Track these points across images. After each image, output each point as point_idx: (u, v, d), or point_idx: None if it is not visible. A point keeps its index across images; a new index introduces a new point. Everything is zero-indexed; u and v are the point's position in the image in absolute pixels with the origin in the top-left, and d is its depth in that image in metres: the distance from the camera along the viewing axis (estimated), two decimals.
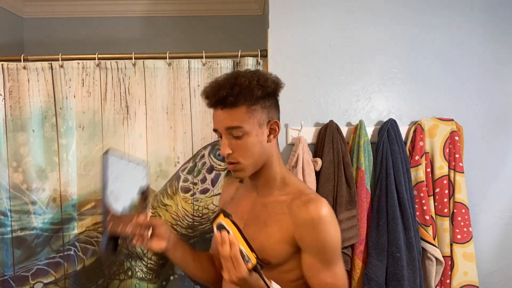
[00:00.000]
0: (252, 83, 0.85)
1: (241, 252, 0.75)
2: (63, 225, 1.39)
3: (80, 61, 1.40)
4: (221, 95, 0.85)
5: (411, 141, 1.40)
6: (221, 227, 0.77)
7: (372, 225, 1.32)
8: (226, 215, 0.78)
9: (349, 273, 1.34)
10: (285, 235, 0.86)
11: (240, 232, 0.77)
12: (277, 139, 0.95)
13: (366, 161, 1.34)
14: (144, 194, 0.95)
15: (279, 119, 0.95)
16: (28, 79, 1.39)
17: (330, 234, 0.84)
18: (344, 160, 1.33)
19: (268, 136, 0.91)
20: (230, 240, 0.75)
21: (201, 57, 1.40)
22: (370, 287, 1.27)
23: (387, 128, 1.36)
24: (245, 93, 0.85)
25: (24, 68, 1.39)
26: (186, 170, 1.41)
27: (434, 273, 1.33)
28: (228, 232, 0.76)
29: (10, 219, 1.38)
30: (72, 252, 1.39)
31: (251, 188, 0.99)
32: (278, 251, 0.87)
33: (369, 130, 1.40)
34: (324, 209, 0.84)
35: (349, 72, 1.44)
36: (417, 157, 1.36)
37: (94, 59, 1.39)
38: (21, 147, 1.39)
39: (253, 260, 0.75)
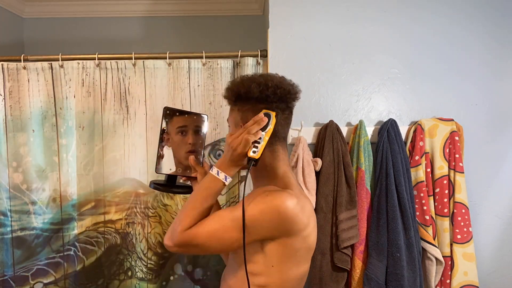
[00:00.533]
0: (237, 85, 0.90)
1: (257, 141, 0.83)
2: (63, 225, 1.39)
3: (80, 61, 1.40)
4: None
5: (411, 141, 1.40)
6: (267, 116, 0.85)
7: (372, 225, 1.32)
8: (278, 116, 0.86)
9: (349, 273, 1.34)
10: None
11: (273, 135, 0.86)
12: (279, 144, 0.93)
13: (366, 161, 1.34)
14: (201, 140, 1.06)
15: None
16: (28, 79, 1.39)
17: (257, 206, 0.80)
18: (344, 160, 1.33)
19: None
20: (261, 119, 0.83)
21: (201, 57, 1.40)
22: (370, 287, 1.27)
23: (387, 128, 1.36)
24: (228, 92, 0.93)
25: (24, 68, 1.39)
26: None
27: (434, 273, 1.33)
28: (268, 123, 0.84)
29: (10, 219, 1.38)
30: (72, 252, 1.39)
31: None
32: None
33: (369, 130, 1.40)
34: (280, 200, 0.80)
35: (349, 72, 1.44)
36: (417, 157, 1.36)
37: (94, 59, 1.39)
38: (21, 147, 1.39)
39: (258, 154, 0.82)
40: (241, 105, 0.91)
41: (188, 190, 1.06)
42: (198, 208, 0.84)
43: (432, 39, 1.45)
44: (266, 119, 0.83)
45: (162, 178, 1.05)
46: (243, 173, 1.40)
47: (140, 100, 1.41)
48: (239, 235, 0.80)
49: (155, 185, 1.04)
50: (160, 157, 1.02)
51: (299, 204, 0.82)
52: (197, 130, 1.05)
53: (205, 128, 1.05)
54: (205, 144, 1.42)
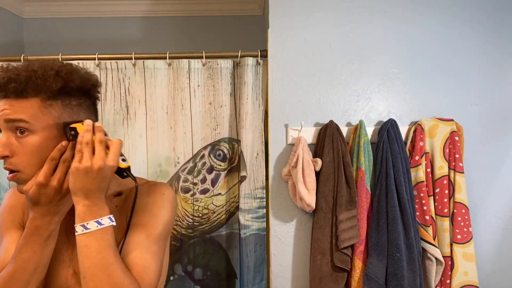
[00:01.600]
0: (48, 72, 0.70)
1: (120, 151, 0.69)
2: None
3: (80, 61, 1.40)
4: (2, 79, 0.68)
5: (411, 141, 1.40)
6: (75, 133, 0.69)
7: (372, 225, 1.32)
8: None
9: (349, 273, 1.34)
10: None
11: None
12: None
13: (366, 161, 1.34)
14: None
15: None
16: None
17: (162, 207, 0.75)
18: (344, 160, 1.33)
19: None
20: (96, 127, 0.67)
21: (201, 57, 1.40)
22: (370, 287, 1.27)
23: (387, 128, 1.36)
24: (37, 81, 0.68)
25: None
26: (186, 170, 1.41)
27: (434, 273, 1.33)
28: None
29: None
30: None
31: None
32: None
33: (369, 130, 1.40)
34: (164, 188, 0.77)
35: (349, 72, 1.44)
36: (417, 157, 1.36)
37: (94, 59, 1.39)
38: None
39: (128, 162, 0.70)
40: (64, 98, 0.70)
41: None
42: (117, 262, 0.64)
43: (432, 39, 1.45)
44: (90, 122, 0.68)
45: None
46: (243, 173, 1.40)
47: (140, 100, 1.41)
48: (165, 244, 0.78)
49: None
50: None
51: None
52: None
53: None
54: (205, 145, 1.41)
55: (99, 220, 0.65)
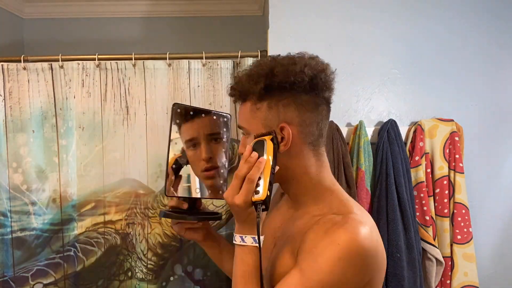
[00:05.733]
0: (256, 72, 0.70)
1: (258, 180, 0.65)
2: (63, 226, 1.39)
3: (80, 62, 1.39)
4: (231, 86, 0.73)
5: (411, 142, 1.40)
6: (257, 147, 0.67)
7: None
8: (274, 139, 0.67)
9: None
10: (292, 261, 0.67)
11: (273, 165, 0.66)
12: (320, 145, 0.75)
13: (366, 162, 1.34)
14: (223, 150, 0.82)
15: (304, 123, 0.70)
16: (28, 80, 1.39)
17: (328, 257, 0.60)
18: (344, 161, 1.33)
19: (280, 143, 0.69)
20: (258, 162, 0.64)
21: (201, 58, 1.40)
22: None
23: (387, 129, 1.36)
24: (247, 85, 0.69)
25: (24, 68, 1.39)
26: None
27: (434, 274, 1.33)
28: (262, 155, 0.65)
29: (10, 219, 1.38)
30: (72, 253, 1.39)
31: (291, 201, 0.80)
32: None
33: (369, 130, 1.40)
34: (353, 237, 0.60)
35: (349, 73, 1.44)
36: (417, 158, 1.36)
37: (94, 59, 1.39)
38: (21, 147, 1.39)
39: (263, 194, 0.64)
40: (271, 99, 0.69)
41: (218, 215, 0.87)
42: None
43: (432, 40, 1.45)
44: (255, 155, 0.66)
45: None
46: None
47: (140, 101, 1.41)
48: None
49: (169, 213, 0.81)
50: (171, 176, 0.78)
51: (373, 230, 0.64)
52: (214, 138, 0.82)
53: (227, 132, 0.81)
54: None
55: (242, 237, 0.68)
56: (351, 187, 1.32)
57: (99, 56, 1.39)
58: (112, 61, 1.40)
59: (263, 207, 0.65)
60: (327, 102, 0.74)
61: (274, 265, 0.71)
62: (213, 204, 1.41)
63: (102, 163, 1.40)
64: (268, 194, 0.65)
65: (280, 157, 0.70)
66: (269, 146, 0.66)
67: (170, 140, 0.80)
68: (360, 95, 1.44)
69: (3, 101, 1.39)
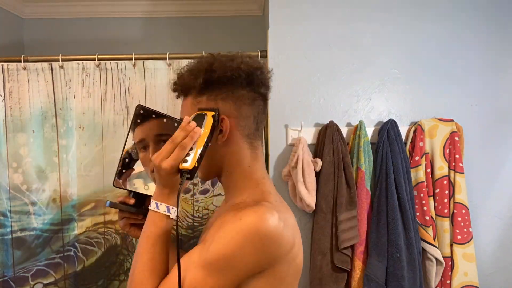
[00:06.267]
0: (196, 68, 0.74)
1: (189, 150, 0.67)
2: (63, 226, 1.39)
3: (80, 62, 1.40)
4: (173, 82, 0.77)
5: (411, 142, 1.40)
6: (198, 119, 0.69)
7: (372, 225, 1.32)
8: (216, 115, 0.70)
9: (349, 274, 1.34)
10: None
11: (208, 140, 0.68)
12: (260, 140, 0.79)
13: (366, 162, 1.34)
14: None
15: (241, 116, 0.74)
16: (28, 80, 1.39)
17: (229, 236, 0.61)
18: (344, 161, 1.33)
19: (218, 135, 0.73)
20: (193, 131, 0.66)
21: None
22: (370, 287, 1.27)
23: (387, 129, 1.36)
24: (188, 80, 0.74)
25: (24, 68, 1.39)
26: None
27: (434, 274, 1.33)
28: (200, 126, 0.68)
29: (10, 220, 1.38)
30: (72, 253, 1.39)
31: (225, 194, 0.82)
32: None
33: (369, 130, 1.40)
34: (258, 218, 0.62)
35: (349, 73, 1.44)
36: (417, 158, 1.36)
37: (94, 59, 1.39)
38: (21, 147, 1.39)
39: (191, 164, 0.65)
40: (214, 92, 0.73)
41: None
42: (151, 263, 0.66)
43: (432, 40, 1.45)
44: (193, 124, 0.68)
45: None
46: None
47: (140, 101, 1.41)
48: (218, 280, 0.61)
49: (116, 203, 0.83)
50: (123, 167, 0.80)
51: (281, 218, 0.64)
52: (163, 140, 0.82)
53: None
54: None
55: (157, 203, 0.69)
56: (351, 187, 1.32)
57: (99, 56, 1.39)
58: (112, 61, 1.40)
59: (188, 175, 0.66)
60: (264, 98, 0.78)
61: None
62: (213, 204, 1.41)
63: (102, 163, 1.40)
64: (196, 165, 0.66)
65: (217, 148, 0.73)
66: (208, 120, 0.69)
67: (127, 136, 0.84)
68: (360, 95, 1.44)
69: (3, 101, 1.39)
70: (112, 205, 0.85)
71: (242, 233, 0.61)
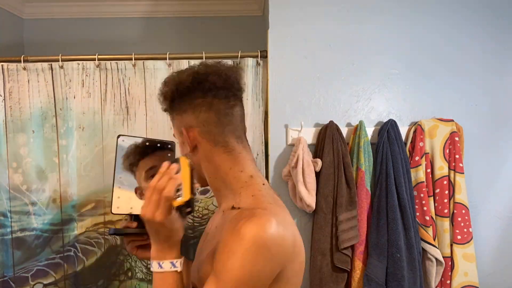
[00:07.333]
0: (160, 93, 0.79)
1: (178, 186, 0.66)
2: (63, 226, 1.39)
3: (80, 62, 1.40)
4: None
5: (411, 142, 1.40)
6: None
7: (372, 225, 1.32)
8: (186, 155, 0.71)
9: (349, 274, 1.34)
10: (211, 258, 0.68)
11: (191, 179, 0.67)
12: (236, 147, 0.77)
13: (366, 162, 1.34)
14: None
15: (201, 123, 0.74)
16: (28, 80, 1.39)
17: (238, 257, 0.60)
18: (344, 161, 1.33)
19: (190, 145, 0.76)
20: (173, 176, 0.66)
21: (201, 58, 1.40)
22: (370, 287, 1.27)
23: (387, 129, 1.36)
24: (162, 104, 0.79)
25: (24, 69, 1.39)
26: None
27: (434, 274, 1.33)
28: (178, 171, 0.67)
29: (10, 220, 1.38)
30: (72, 253, 1.39)
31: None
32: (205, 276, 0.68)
33: (369, 130, 1.40)
34: (258, 229, 0.61)
35: (349, 73, 1.44)
36: (417, 158, 1.36)
37: (94, 60, 1.39)
38: (21, 148, 1.39)
39: (185, 196, 0.64)
40: (177, 107, 0.77)
41: None
42: None
43: (432, 40, 1.45)
44: (174, 166, 0.67)
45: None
46: None
47: (140, 101, 1.41)
48: None
49: (119, 230, 0.84)
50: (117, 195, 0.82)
51: (279, 222, 0.63)
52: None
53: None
54: None
55: (160, 262, 0.67)
56: (351, 187, 1.32)
57: (99, 56, 1.39)
58: (112, 61, 1.40)
59: (189, 209, 0.64)
60: (227, 100, 0.75)
61: (200, 272, 0.72)
62: (213, 204, 1.41)
63: (102, 163, 1.40)
64: (192, 196, 0.64)
65: (192, 158, 0.75)
66: (183, 162, 0.69)
67: (116, 161, 0.83)
68: (360, 95, 1.44)
69: (3, 101, 1.39)
70: (116, 232, 0.85)
71: (251, 249, 0.60)
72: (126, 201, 0.81)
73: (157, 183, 0.65)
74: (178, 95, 0.75)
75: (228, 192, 0.74)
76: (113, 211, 0.82)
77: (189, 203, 0.64)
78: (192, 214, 0.63)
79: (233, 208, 0.71)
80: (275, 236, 0.61)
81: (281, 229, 0.63)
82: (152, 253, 0.68)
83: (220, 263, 0.62)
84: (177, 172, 0.67)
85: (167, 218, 0.64)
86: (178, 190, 0.65)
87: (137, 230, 0.83)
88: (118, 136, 0.83)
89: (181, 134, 0.77)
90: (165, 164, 0.68)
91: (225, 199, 0.76)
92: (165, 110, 0.80)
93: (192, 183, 0.67)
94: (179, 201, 0.64)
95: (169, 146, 0.82)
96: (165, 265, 0.67)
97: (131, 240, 0.85)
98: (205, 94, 0.74)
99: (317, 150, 1.40)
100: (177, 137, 0.80)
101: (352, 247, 1.32)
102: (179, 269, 0.67)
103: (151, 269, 0.68)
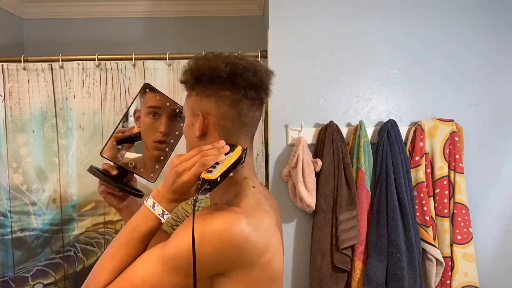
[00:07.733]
0: (190, 66, 0.76)
1: (216, 164, 0.67)
2: (63, 226, 1.39)
3: (80, 62, 1.40)
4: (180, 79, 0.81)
5: (411, 142, 1.40)
6: (232, 149, 0.71)
7: (372, 225, 1.32)
8: (244, 152, 0.73)
9: (349, 274, 1.34)
10: None
11: (234, 164, 0.69)
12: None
13: (366, 162, 1.34)
14: (177, 132, 0.87)
15: (220, 116, 0.73)
16: (28, 80, 1.39)
17: (190, 236, 0.60)
18: (344, 161, 1.33)
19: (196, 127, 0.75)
20: (221, 147, 0.68)
21: None
22: (370, 287, 1.27)
23: (387, 129, 1.36)
24: (183, 75, 0.77)
25: (24, 69, 1.39)
26: None
27: (434, 274, 1.33)
28: (229, 153, 0.69)
29: (10, 220, 1.38)
30: (72, 253, 1.39)
31: None
32: None
33: (369, 130, 1.40)
34: (223, 222, 0.61)
35: (349, 73, 1.44)
36: (417, 158, 1.36)
37: (94, 60, 1.39)
38: (21, 148, 1.39)
39: (215, 174, 0.64)
40: (201, 89, 0.74)
41: (140, 194, 0.89)
42: (120, 257, 0.66)
43: (432, 40, 1.45)
44: (227, 148, 0.69)
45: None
46: None
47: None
48: (177, 278, 0.62)
49: (97, 171, 0.84)
50: (115, 138, 0.82)
51: (250, 224, 0.63)
52: (174, 117, 0.86)
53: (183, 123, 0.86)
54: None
55: (155, 203, 0.68)
56: (351, 187, 1.32)
57: (99, 56, 1.39)
58: (112, 61, 1.40)
59: (208, 186, 0.64)
60: (252, 100, 0.75)
61: None
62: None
63: (102, 163, 1.39)
64: (219, 179, 0.65)
65: (196, 143, 0.75)
66: (238, 149, 0.71)
67: (128, 108, 0.86)
68: (360, 95, 1.44)
69: (3, 101, 1.39)
70: (93, 172, 0.84)
71: (203, 233, 0.61)
72: (119, 150, 0.83)
73: (206, 150, 0.67)
74: (208, 79, 0.73)
75: (219, 189, 0.73)
76: (102, 154, 0.83)
77: (212, 183, 0.64)
78: (206, 194, 0.64)
79: (215, 204, 0.73)
80: (236, 235, 0.61)
81: (247, 232, 0.62)
82: (155, 191, 0.70)
83: (174, 233, 0.65)
84: (226, 154, 0.68)
85: (190, 181, 0.65)
86: (214, 167, 0.66)
87: (111, 182, 0.85)
88: (145, 84, 0.85)
89: (193, 115, 0.75)
90: (222, 142, 0.69)
91: (213, 196, 0.77)
92: (183, 83, 0.78)
93: (228, 170, 0.68)
94: (207, 175, 0.65)
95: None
96: (157, 209, 0.68)
97: (104, 184, 0.87)
98: (236, 89, 0.73)
99: (317, 150, 1.40)
100: (187, 115, 0.77)
101: (352, 247, 1.32)
102: (163, 220, 0.68)
103: (144, 202, 0.70)
